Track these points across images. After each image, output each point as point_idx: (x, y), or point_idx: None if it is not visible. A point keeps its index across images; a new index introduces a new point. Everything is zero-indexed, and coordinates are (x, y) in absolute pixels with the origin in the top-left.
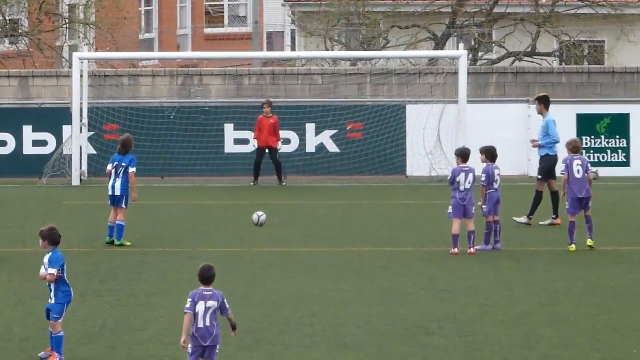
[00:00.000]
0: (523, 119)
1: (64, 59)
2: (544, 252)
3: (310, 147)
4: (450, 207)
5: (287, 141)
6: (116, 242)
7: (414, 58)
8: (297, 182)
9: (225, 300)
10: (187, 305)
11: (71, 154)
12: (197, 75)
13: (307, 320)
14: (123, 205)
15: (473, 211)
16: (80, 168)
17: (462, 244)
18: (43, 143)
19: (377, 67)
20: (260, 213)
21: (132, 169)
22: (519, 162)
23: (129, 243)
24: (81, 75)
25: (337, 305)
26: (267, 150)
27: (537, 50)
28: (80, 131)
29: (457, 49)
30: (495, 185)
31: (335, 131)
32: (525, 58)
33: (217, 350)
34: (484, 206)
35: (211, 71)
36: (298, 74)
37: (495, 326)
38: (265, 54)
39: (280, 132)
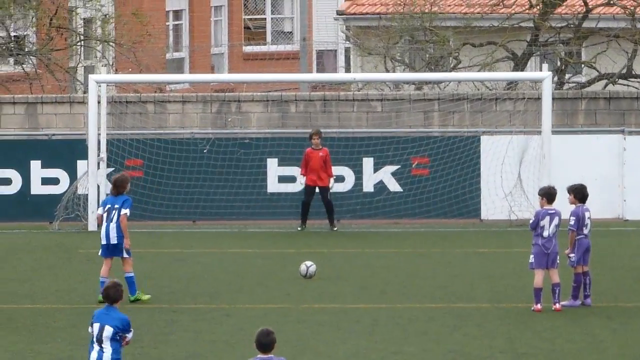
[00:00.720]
0: (618, 152)
1: (78, 82)
2: None
3: (368, 186)
4: (532, 256)
5: (340, 179)
6: (130, 298)
7: (489, 81)
8: (353, 226)
9: None
10: None
11: (87, 194)
12: (234, 101)
13: None
14: (125, 255)
15: (559, 261)
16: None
17: (546, 300)
18: (54, 181)
19: (446, 92)
20: (309, 263)
21: (124, 211)
22: (613, 203)
23: (146, 296)
24: (99, 102)
25: None
26: (317, 189)
27: (634, 72)
28: (98, 167)
29: (541, 70)
30: (586, 231)
31: (397, 167)
32: (620, 81)
33: None
34: (571, 255)
35: (251, 96)
36: (354, 100)
37: None
38: (314, 76)
39: (333, 167)
